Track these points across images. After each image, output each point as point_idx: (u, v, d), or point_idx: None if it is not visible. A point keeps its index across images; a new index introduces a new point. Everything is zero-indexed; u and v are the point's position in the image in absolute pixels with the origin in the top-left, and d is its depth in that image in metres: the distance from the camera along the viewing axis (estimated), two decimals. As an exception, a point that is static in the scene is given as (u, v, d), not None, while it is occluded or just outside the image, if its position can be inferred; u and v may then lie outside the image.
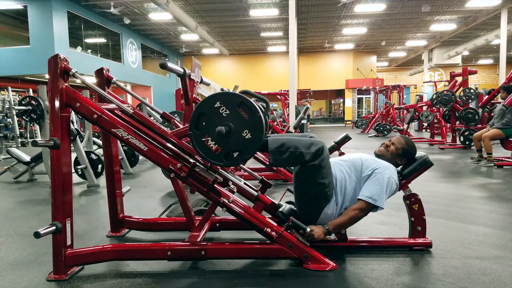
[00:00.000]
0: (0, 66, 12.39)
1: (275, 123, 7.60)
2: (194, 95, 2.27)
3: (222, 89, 2.74)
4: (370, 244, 2.26)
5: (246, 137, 1.77)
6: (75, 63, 5.67)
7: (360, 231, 2.54)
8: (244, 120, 1.77)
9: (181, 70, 2.07)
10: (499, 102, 6.29)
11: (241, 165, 2.51)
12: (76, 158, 4.49)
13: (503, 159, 5.64)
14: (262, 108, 1.88)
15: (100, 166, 4.62)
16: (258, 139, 1.78)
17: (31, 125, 11.62)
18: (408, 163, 2.25)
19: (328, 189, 2.03)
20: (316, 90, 20.36)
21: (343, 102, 24.58)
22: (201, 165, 1.97)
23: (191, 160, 1.97)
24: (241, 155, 1.81)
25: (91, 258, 1.96)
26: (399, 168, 2.26)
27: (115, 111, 2.11)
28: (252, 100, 1.81)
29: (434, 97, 8.54)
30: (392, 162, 2.23)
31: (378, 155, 2.27)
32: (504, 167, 5.29)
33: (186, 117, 2.39)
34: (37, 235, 1.76)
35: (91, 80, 2.19)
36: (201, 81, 2.44)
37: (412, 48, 22.20)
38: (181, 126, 2.13)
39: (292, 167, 2.29)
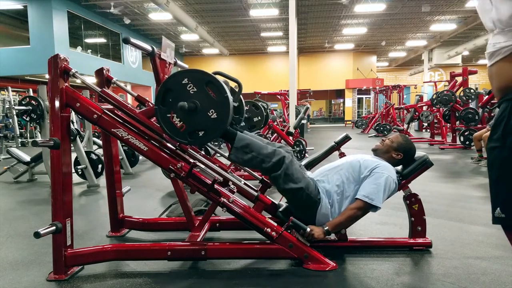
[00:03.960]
0: (0, 66, 12.38)
1: (275, 123, 7.58)
2: (166, 76, 2.23)
3: None
4: (370, 244, 2.26)
5: (212, 116, 1.76)
6: (75, 63, 5.65)
7: (360, 231, 2.54)
8: (211, 99, 1.76)
9: (149, 47, 1.99)
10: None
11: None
12: (76, 158, 4.49)
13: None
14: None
15: (100, 166, 4.62)
16: (223, 120, 1.76)
17: (31, 125, 11.62)
18: (407, 163, 2.25)
19: (309, 191, 2.04)
20: (316, 90, 20.32)
21: (343, 102, 24.57)
22: (201, 165, 1.97)
23: (191, 160, 1.96)
24: (206, 134, 1.79)
25: (91, 258, 1.96)
26: (399, 168, 2.27)
27: (115, 111, 2.10)
28: (222, 80, 1.79)
29: (434, 97, 8.54)
30: (388, 155, 2.24)
31: (375, 150, 2.32)
32: (504, 167, 5.28)
33: None
34: (37, 235, 1.76)
35: (91, 80, 2.19)
36: (175, 63, 2.41)
37: (412, 48, 22.18)
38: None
39: None
